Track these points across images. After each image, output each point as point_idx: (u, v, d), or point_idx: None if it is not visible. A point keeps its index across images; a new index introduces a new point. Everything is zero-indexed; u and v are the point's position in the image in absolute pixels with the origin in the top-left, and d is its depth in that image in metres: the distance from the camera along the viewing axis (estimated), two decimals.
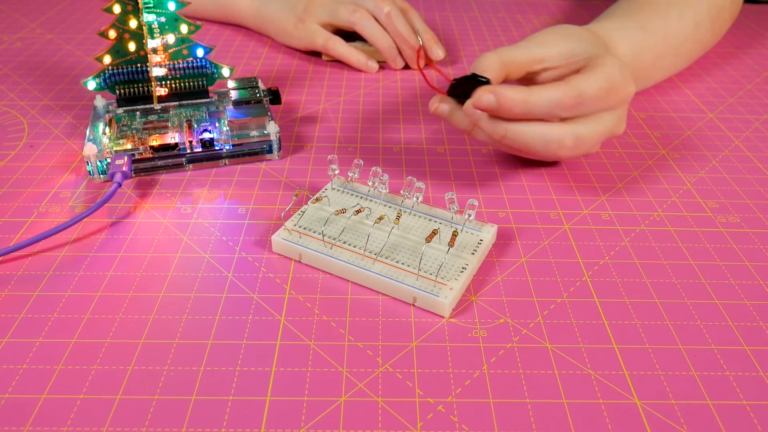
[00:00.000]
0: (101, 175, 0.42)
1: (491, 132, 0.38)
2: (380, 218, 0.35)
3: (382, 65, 0.61)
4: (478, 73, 0.39)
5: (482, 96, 0.37)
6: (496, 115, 0.37)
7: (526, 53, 0.41)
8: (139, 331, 0.31)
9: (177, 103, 0.47)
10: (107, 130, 0.43)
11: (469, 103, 0.38)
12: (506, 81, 0.41)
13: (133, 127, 0.44)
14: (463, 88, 0.38)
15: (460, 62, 0.62)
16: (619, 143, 0.48)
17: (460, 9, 0.76)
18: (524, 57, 0.41)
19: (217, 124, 0.44)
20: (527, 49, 0.41)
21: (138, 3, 0.42)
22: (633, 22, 0.50)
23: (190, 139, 0.42)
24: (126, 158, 0.41)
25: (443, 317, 0.32)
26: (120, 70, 0.44)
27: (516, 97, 0.36)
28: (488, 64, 0.39)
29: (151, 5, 0.43)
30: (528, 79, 0.43)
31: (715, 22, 0.56)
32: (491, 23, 0.72)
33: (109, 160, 0.41)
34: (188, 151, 0.43)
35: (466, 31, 0.70)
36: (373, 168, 0.38)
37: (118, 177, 0.40)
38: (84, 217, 0.37)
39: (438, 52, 0.60)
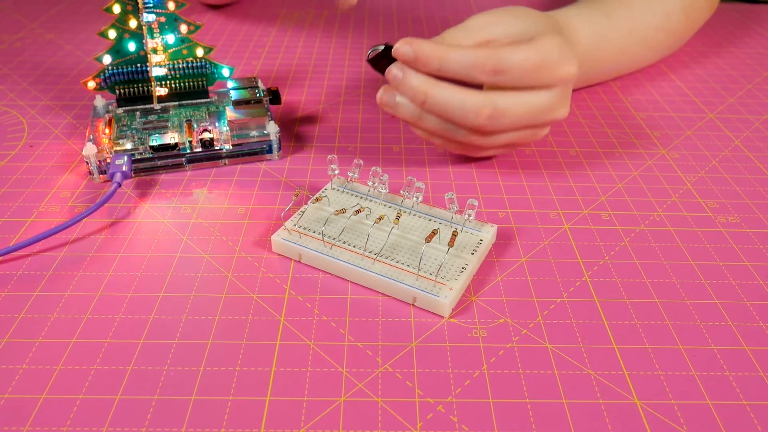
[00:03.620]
0: (101, 175, 0.42)
1: (413, 95, 0.38)
2: (380, 218, 0.35)
3: None
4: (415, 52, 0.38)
5: (401, 47, 0.37)
6: (415, 68, 0.38)
7: (472, 37, 0.40)
8: (139, 331, 0.31)
9: (177, 103, 0.47)
10: (107, 130, 0.43)
11: (391, 67, 0.39)
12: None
13: (133, 127, 0.44)
14: (383, 60, 0.40)
15: None
16: (619, 143, 0.48)
17: (461, 9, 0.76)
18: (471, 42, 0.39)
19: (217, 124, 0.44)
20: (474, 31, 0.40)
21: (138, 3, 0.43)
22: (596, 10, 0.50)
23: (190, 139, 0.42)
24: (126, 158, 0.41)
25: (443, 317, 0.32)
26: (120, 70, 0.44)
27: (433, 51, 0.37)
28: (428, 51, 0.38)
29: (151, 5, 0.43)
30: None
31: (690, 12, 0.55)
32: None
33: (109, 160, 0.41)
34: (188, 151, 0.43)
35: None
36: (373, 168, 0.38)
37: (118, 177, 0.40)
38: (84, 217, 0.37)
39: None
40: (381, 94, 0.40)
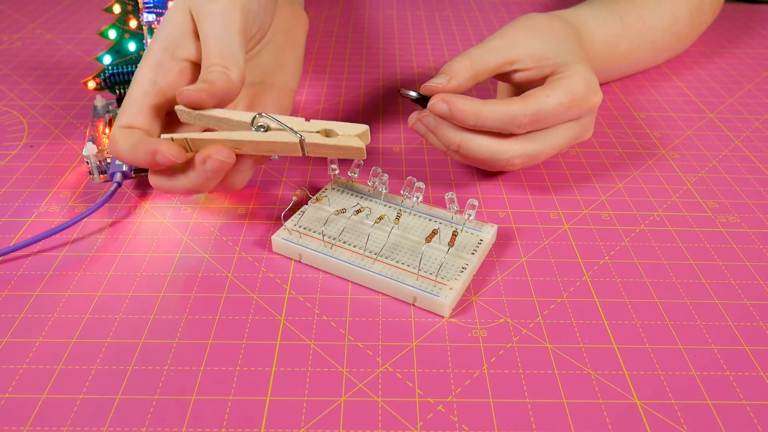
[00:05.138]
0: (101, 175, 0.42)
1: (447, 143, 0.39)
2: (380, 218, 0.35)
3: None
4: (449, 76, 0.39)
5: (437, 104, 0.37)
6: (452, 123, 0.38)
7: (496, 57, 0.40)
8: (139, 331, 0.31)
9: None
10: (107, 130, 0.43)
11: (425, 111, 0.39)
12: (477, 82, 0.40)
13: None
14: (415, 101, 0.40)
15: None
16: (619, 143, 0.48)
17: (460, 9, 0.76)
18: (495, 61, 0.40)
19: None
20: (497, 52, 0.40)
21: (138, 3, 0.42)
22: (610, 11, 0.50)
23: None
24: None
25: (443, 317, 0.32)
26: (120, 70, 0.44)
27: (469, 109, 0.37)
28: (459, 69, 0.39)
29: (152, 5, 0.43)
30: (500, 77, 0.42)
31: (696, 16, 0.56)
32: (491, 23, 0.72)
33: (109, 160, 0.41)
34: None
35: (466, 31, 0.70)
36: (373, 168, 0.38)
37: (118, 177, 0.40)
38: (84, 217, 0.37)
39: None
40: (413, 123, 0.40)
